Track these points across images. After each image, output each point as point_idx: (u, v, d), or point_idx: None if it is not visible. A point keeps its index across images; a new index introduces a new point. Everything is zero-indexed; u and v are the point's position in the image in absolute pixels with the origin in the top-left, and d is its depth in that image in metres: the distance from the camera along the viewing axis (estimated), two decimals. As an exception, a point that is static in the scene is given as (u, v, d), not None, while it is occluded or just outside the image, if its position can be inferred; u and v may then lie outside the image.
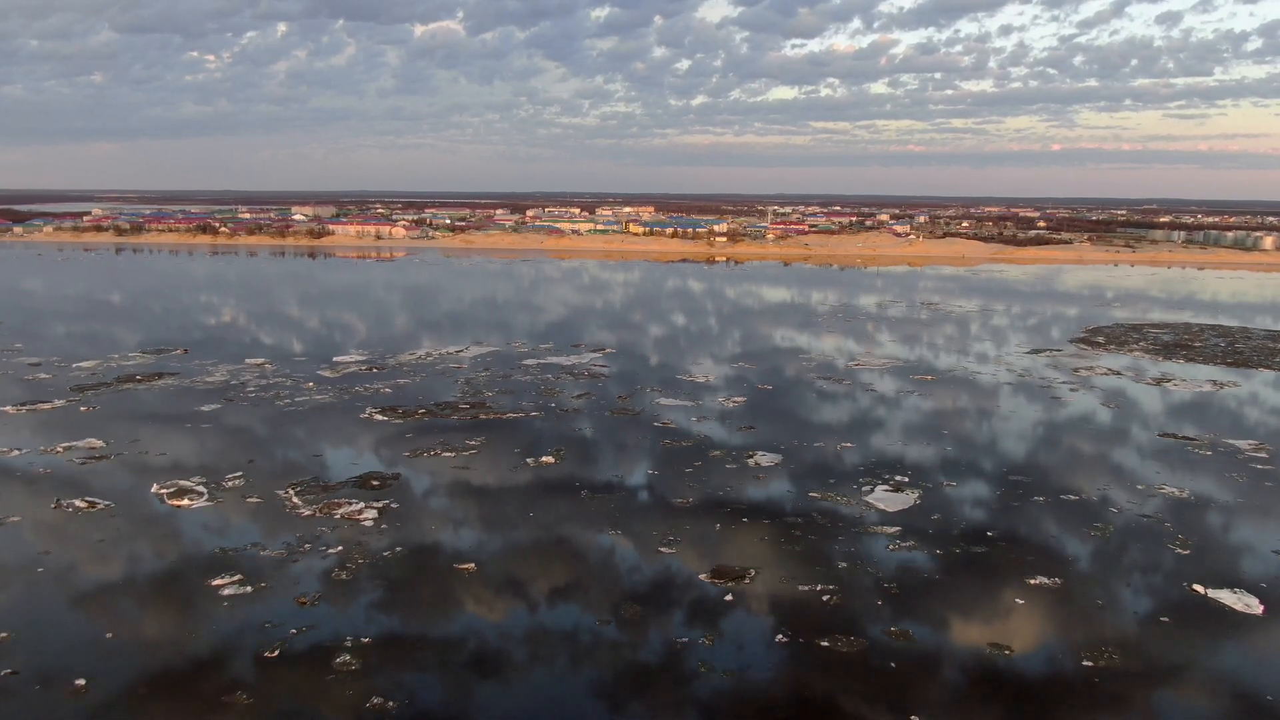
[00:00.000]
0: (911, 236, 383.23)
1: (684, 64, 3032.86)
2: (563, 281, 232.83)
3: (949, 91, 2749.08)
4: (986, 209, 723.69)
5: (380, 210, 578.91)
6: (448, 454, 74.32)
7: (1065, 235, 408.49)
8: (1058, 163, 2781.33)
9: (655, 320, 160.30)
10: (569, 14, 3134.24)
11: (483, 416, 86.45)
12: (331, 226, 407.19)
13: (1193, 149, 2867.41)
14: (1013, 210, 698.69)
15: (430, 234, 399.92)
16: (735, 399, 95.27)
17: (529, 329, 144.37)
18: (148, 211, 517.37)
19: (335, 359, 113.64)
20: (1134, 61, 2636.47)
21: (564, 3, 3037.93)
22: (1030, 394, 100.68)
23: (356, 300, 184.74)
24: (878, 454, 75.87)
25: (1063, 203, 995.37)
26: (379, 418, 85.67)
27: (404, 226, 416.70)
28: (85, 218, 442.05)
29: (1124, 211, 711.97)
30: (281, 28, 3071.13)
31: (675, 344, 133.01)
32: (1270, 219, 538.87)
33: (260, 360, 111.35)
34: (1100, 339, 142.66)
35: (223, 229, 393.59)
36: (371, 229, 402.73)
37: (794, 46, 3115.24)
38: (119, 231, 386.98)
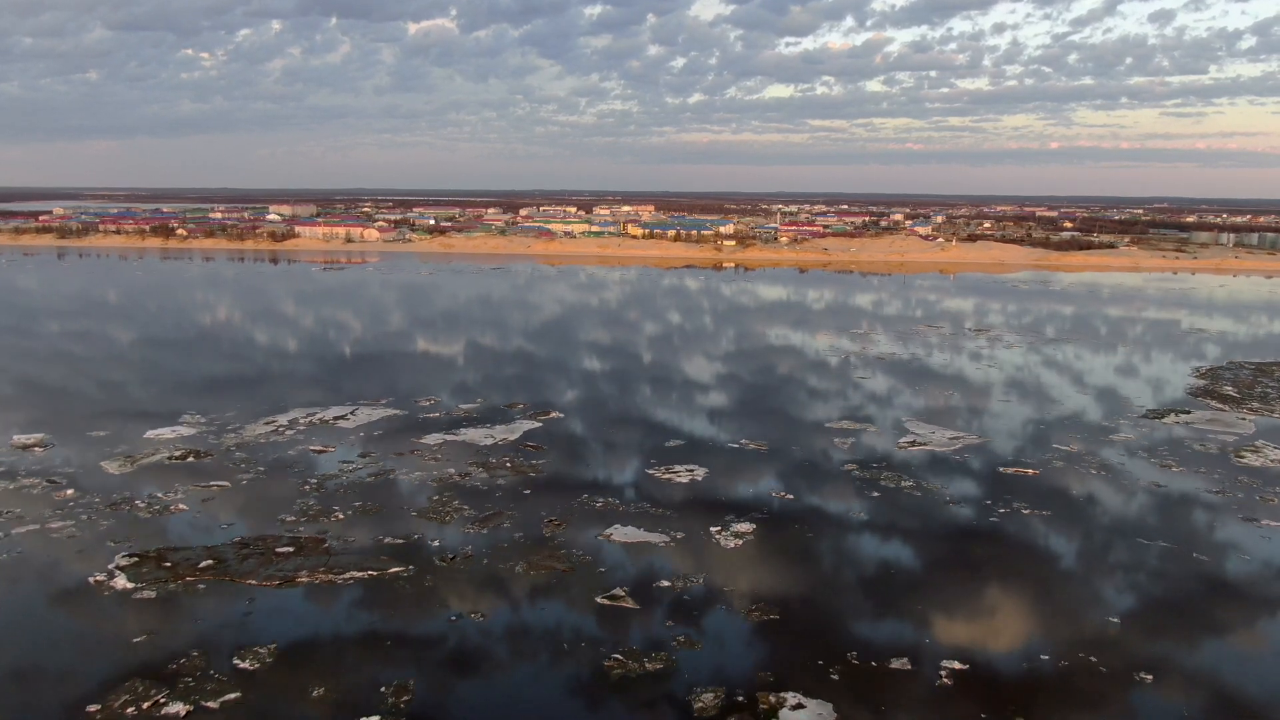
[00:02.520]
0: (941, 240, 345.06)
1: (679, 62, 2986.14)
2: (533, 297, 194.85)
3: (945, 90, 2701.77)
4: (999, 208, 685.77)
5: (366, 209, 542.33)
6: (175, 708, 37.91)
7: (1105, 238, 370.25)
8: (1057, 161, 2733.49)
9: (633, 361, 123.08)
10: (561, 11, 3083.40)
11: (303, 578, 50.04)
12: (298, 229, 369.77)
13: (1190, 147, 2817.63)
14: (1028, 209, 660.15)
15: (407, 236, 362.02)
16: (739, 527, 58.58)
17: (455, 375, 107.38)
18: (114, 210, 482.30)
19: (148, 433, 77.00)
20: (1128, 60, 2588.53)
21: (556, 0, 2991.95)
22: (1203, 518, 64.02)
23: (250, 329, 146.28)
24: (1007, 696, 39.38)
25: (1065, 201, 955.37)
26: (119, 583, 49.27)
27: (379, 228, 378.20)
28: (42, 218, 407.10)
29: (1141, 210, 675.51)
30: (275, 25, 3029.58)
31: (654, 404, 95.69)
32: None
33: (33, 439, 74.82)
34: (1228, 388, 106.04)
35: (180, 231, 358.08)
36: (341, 231, 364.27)
37: (788, 44, 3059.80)
38: (62, 234, 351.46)
